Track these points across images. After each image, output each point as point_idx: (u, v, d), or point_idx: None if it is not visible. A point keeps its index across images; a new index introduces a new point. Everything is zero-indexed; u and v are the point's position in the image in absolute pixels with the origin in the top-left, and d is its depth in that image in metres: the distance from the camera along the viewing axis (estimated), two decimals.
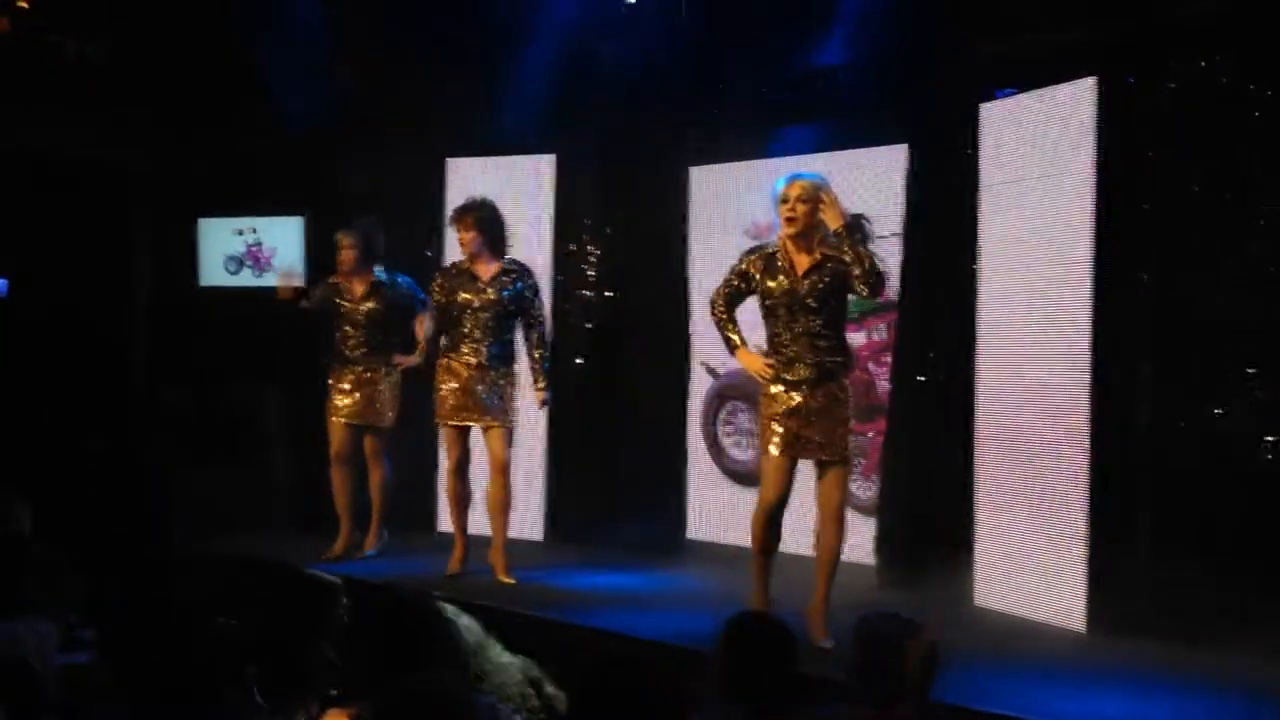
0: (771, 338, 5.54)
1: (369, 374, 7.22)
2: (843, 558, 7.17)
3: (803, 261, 5.43)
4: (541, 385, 6.67)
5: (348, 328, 7.25)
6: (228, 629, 3.60)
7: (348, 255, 7.21)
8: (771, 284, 5.46)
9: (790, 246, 5.45)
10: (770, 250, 5.52)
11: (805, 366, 5.42)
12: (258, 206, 8.75)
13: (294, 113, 8.14)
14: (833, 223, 5.35)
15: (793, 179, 5.47)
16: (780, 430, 5.43)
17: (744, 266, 5.58)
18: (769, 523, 5.52)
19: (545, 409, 6.95)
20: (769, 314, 5.51)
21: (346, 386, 7.24)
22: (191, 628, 3.15)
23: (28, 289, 8.36)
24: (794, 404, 5.43)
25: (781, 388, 5.46)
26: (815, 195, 5.38)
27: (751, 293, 5.58)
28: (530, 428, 7.78)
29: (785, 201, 5.41)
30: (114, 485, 8.09)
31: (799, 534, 6.96)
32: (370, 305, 7.21)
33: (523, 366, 6.82)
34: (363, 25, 8.30)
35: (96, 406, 8.46)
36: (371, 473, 7.31)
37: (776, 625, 3.59)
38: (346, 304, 7.25)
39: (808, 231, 5.40)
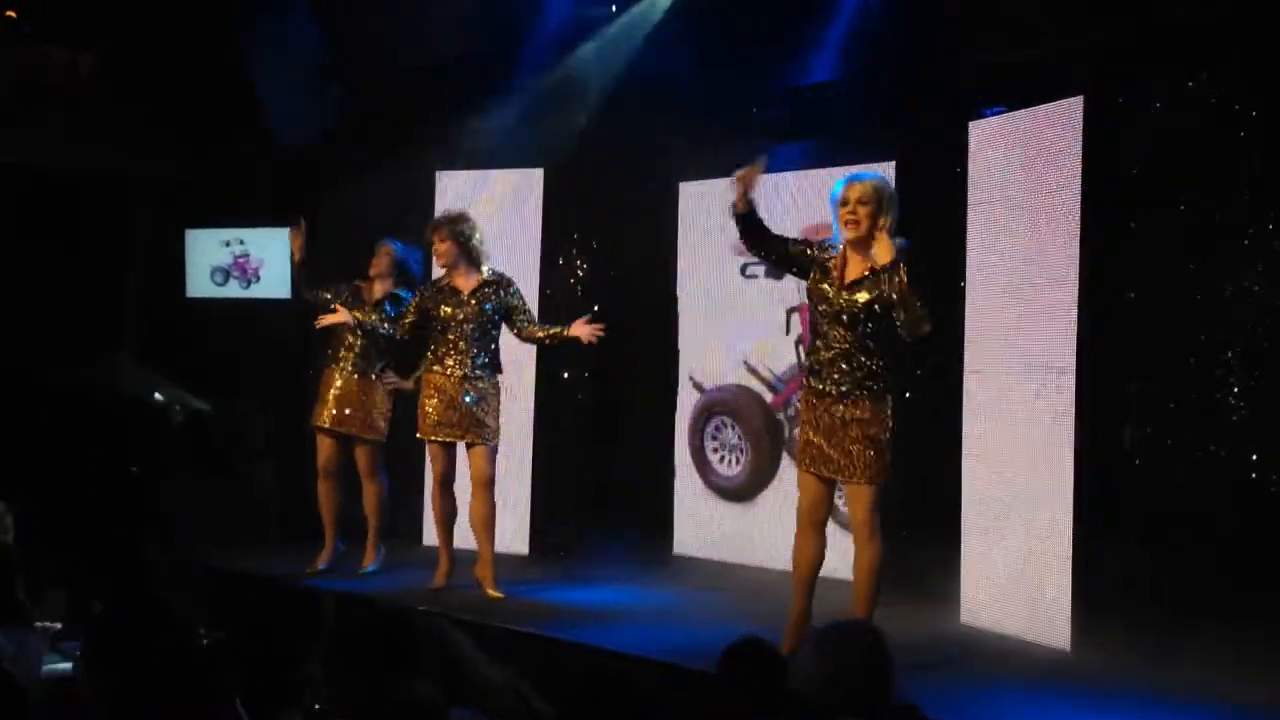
0: (813, 338, 5.33)
1: (359, 380, 7.13)
2: (824, 573, 7.22)
3: (852, 271, 5.13)
4: (562, 329, 6.56)
5: (346, 330, 7.13)
6: (213, 641, 3.58)
7: (383, 261, 7.13)
8: (817, 286, 5.19)
9: (849, 252, 5.15)
10: (831, 255, 5.21)
11: (834, 381, 5.16)
12: (246, 218, 8.76)
13: (285, 125, 8.14)
14: (882, 256, 5.02)
15: (852, 180, 5.12)
16: (804, 443, 5.27)
17: (811, 249, 5.25)
18: (797, 536, 5.35)
19: (592, 326, 6.56)
20: (812, 313, 5.31)
21: (333, 394, 7.14)
22: (176, 639, 3.14)
23: (15, 298, 8.34)
24: (820, 418, 5.20)
25: (814, 398, 5.22)
26: (876, 199, 5.05)
27: (803, 265, 5.25)
28: (516, 442, 7.78)
29: (845, 204, 5.10)
30: (100, 495, 8.06)
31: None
32: (376, 317, 7.06)
33: (505, 380, 6.83)
34: (354, 38, 8.30)
35: (84, 417, 8.44)
36: (366, 488, 7.21)
37: (765, 649, 3.61)
38: (358, 308, 7.10)
39: (869, 238, 5.07)
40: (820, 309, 5.20)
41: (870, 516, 5.19)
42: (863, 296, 5.11)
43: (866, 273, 5.12)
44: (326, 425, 7.16)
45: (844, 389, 5.16)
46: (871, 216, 5.07)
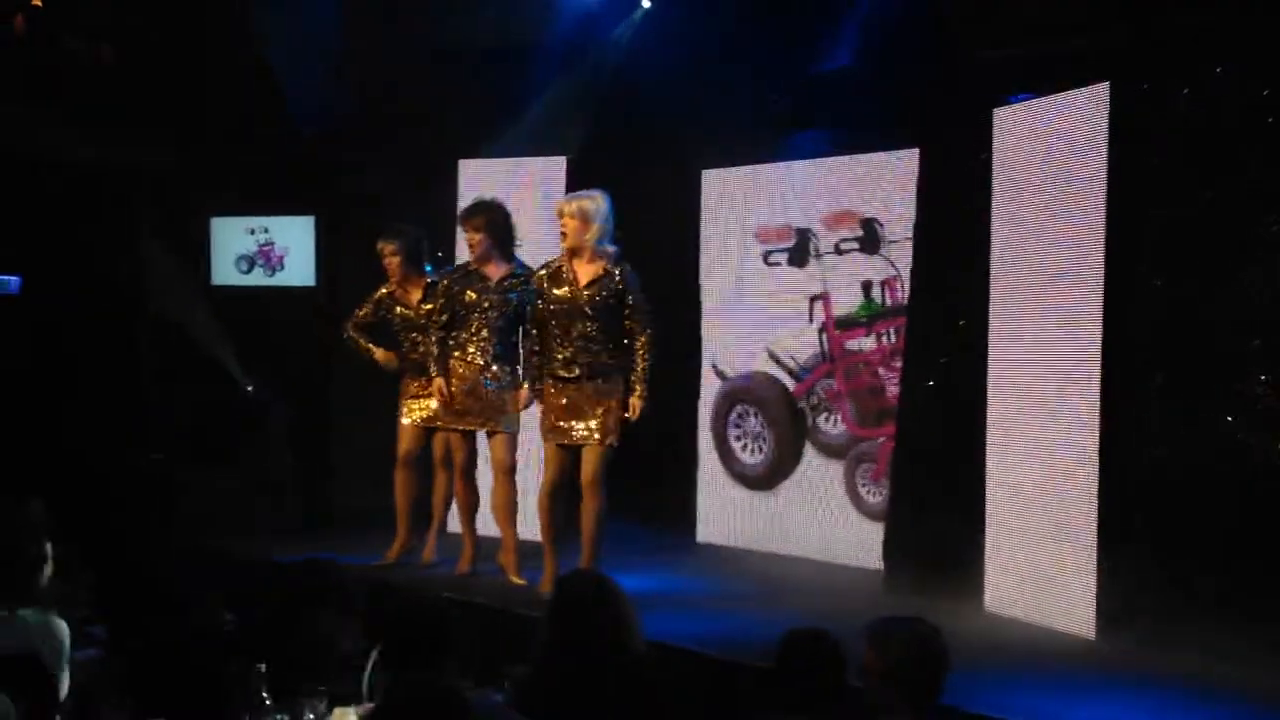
0: (548, 340, 6.29)
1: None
2: (850, 562, 7.23)
3: (584, 275, 6.19)
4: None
5: (414, 334, 7.00)
6: (234, 627, 3.60)
7: (392, 262, 7.01)
8: (557, 292, 6.23)
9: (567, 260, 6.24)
10: (555, 264, 6.30)
11: (577, 366, 6.19)
12: (270, 206, 8.78)
13: (307, 113, 8.15)
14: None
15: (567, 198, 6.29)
16: (550, 419, 6.27)
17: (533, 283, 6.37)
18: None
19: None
20: (545, 314, 6.27)
21: (413, 393, 7.00)
22: (196, 627, 3.16)
23: (40, 287, 8.38)
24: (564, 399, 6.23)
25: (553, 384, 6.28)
26: (580, 213, 6.14)
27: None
28: (539, 429, 7.77)
29: (560, 216, 6.24)
30: (125, 482, 8.10)
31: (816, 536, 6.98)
32: (429, 307, 6.91)
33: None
34: (376, 26, 8.31)
35: (106, 405, 8.48)
36: (442, 478, 7.07)
37: (828, 639, 3.62)
38: (406, 311, 7.04)
39: (579, 247, 6.17)
40: (561, 308, 6.23)
41: (597, 472, 6.20)
42: (600, 290, 6.19)
43: (600, 272, 6.19)
44: (420, 422, 6.98)
45: (581, 374, 6.21)
46: (577, 230, 6.18)
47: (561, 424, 6.26)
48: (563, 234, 6.22)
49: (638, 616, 3.79)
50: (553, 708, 3.41)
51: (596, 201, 6.23)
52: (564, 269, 6.25)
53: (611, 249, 6.25)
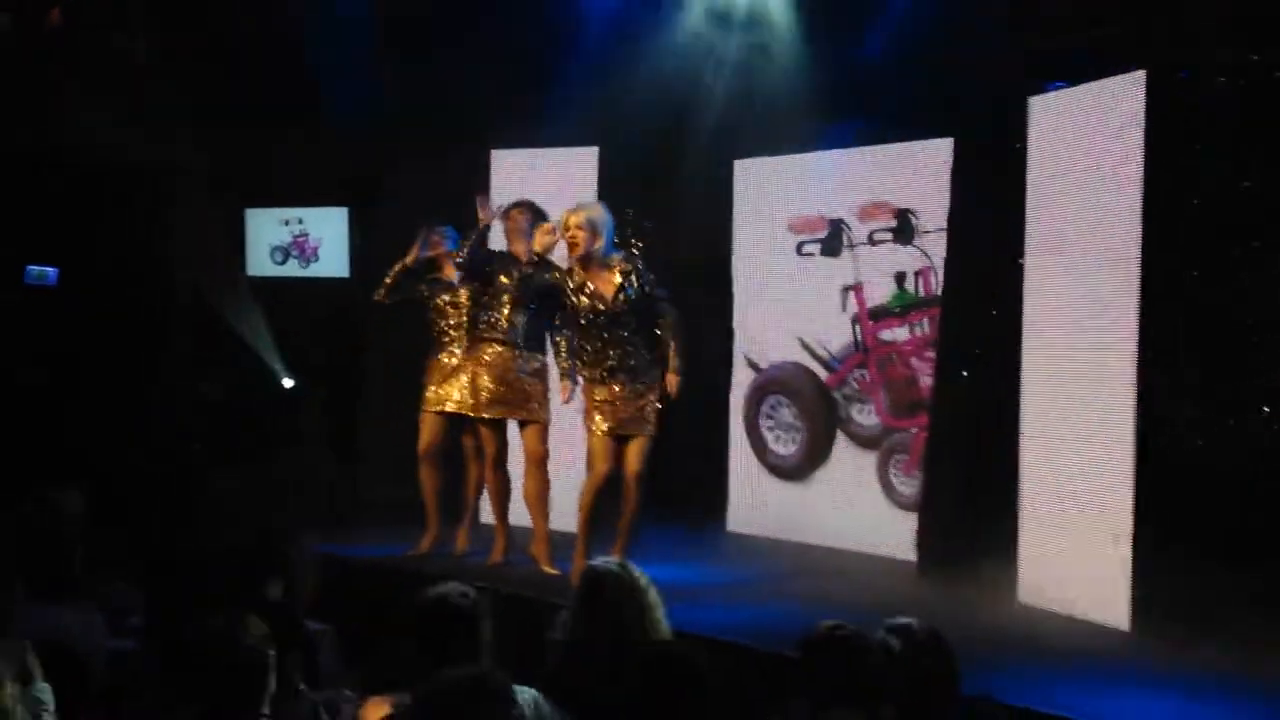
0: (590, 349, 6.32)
1: (468, 358, 6.86)
2: (882, 553, 7.21)
3: (604, 283, 6.22)
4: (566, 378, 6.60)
5: (449, 309, 7.00)
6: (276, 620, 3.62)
7: (438, 240, 7.03)
8: (586, 305, 6.25)
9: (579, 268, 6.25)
10: (574, 280, 6.27)
11: (623, 372, 6.25)
12: (304, 198, 8.82)
13: (341, 106, 8.17)
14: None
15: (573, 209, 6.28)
16: (598, 416, 6.24)
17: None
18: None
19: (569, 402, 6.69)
20: (588, 330, 6.29)
21: (444, 375, 6.96)
22: (232, 619, 3.19)
23: (77, 280, 8.45)
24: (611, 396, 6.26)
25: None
26: (589, 223, 6.17)
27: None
28: (570, 419, 7.79)
29: (566, 229, 6.24)
30: (159, 477, 8.16)
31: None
32: (467, 287, 6.92)
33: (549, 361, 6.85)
34: (410, 18, 8.32)
35: (142, 397, 8.54)
36: (474, 468, 7.07)
37: (848, 631, 3.63)
38: (442, 292, 7.03)
39: (589, 257, 6.18)
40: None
41: (641, 465, 6.28)
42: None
43: (620, 279, 6.21)
44: (439, 411, 6.95)
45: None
46: (588, 239, 6.18)
47: (608, 417, 6.26)
48: (573, 244, 6.22)
49: (664, 606, 3.80)
50: (580, 698, 3.43)
51: (600, 211, 6.31)
52: (585, 283, 6.26)
53: (616, 253, 6.30)
